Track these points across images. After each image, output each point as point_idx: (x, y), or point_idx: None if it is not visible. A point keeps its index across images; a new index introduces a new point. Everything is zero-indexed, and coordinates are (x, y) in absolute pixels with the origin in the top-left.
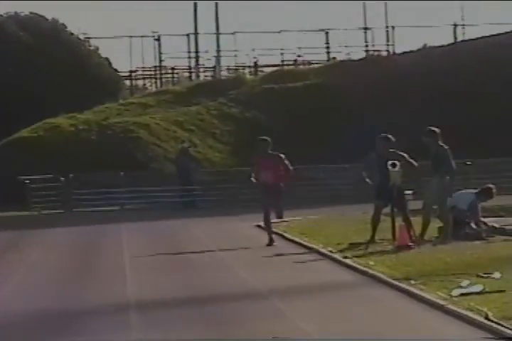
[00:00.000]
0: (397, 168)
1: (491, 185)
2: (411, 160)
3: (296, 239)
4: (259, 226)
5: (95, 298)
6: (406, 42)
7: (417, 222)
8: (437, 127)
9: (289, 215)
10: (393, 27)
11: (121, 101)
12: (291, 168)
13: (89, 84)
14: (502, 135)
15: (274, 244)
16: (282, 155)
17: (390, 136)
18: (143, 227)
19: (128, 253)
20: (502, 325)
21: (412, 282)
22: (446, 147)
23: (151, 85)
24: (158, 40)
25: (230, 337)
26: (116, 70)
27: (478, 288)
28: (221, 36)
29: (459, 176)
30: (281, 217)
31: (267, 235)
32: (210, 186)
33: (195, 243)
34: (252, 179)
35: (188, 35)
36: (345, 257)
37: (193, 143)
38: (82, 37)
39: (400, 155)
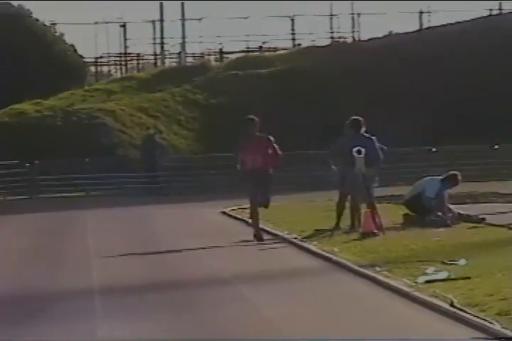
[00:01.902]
0: (362, 155)
1: (455, 172)
2: (379, 145)
3: (261, 226)
4: (224, 212)
5: (60, 284)
6: (371, 29)
7: (381, 208)
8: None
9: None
10: (359, 14)
11: (86, 87)
12: (280, 152)
13: (54, 71)
14: (467, 122)
15: (265, 238)
16: (271, 138)
17: (360, 118)
18: (108, 213)
19: (93, 239)
20: (467, 312)
21: (378, 269)
22: (371, 136)
23: (116, 71)
24: (123, 26)
25: (195, 323)
26: (81, 56)
27: (443, 275)
28: (186, 23)
29: (423, 163)
30: (267, 206)
31: (253, 229)
32: (175, 172)
33: (160, 229)
34: (238, 166)
35: (153, 21)
36: (310, 243)
37: (158, 130)
38: (47, 23)
39: (369, 138)
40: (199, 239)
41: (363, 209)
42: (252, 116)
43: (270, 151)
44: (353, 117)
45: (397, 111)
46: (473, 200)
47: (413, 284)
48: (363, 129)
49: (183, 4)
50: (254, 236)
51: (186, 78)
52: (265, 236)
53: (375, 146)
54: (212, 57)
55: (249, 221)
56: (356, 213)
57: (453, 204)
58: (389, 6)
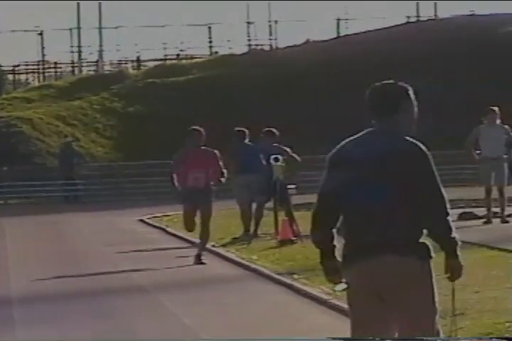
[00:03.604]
0: (280, 162)
1: None
2: (294, 155)
3: (179, 234)
4: (142, 220)
5: None
6: (289, 36)
7: (299, 216)
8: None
9: (171, 209)
10: (276, 21)
11: (3, 95)
12: (224, 169)
13: None
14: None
15: (204, 261)
16: (217, 153)
17: (274, 130)
18: (26, 222)
19: (11, 247)
20: None
21: (296, 276)
22: (255, 145)
23: (33, 80)
24: (40, 34)
25: (113, 333)
26: None
27: None
28: (104, 30)
29: None
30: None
31: (198, 249)
32: (93, 180)
33: (78, 237)
34: (175, 182)
35: (70, 29)
36: (229, 251)
37: (75, 138)
38: None
39: (284, 149)
40: (117, 248)
41: (281, 216)
42: (197, 127)
43: (216, 168)
44: (237, 128)
45: (316, 116)
46: None
47: (331, 292)
48: (247, 139)
49: (100, 12)
50: (196, 257)
51: (104, 86)
52: (183, 244)
53: (258, 154)
54: (129, 65)
55: (167, 229)
56: (248, 220)
57: None
58: (307, 14)
